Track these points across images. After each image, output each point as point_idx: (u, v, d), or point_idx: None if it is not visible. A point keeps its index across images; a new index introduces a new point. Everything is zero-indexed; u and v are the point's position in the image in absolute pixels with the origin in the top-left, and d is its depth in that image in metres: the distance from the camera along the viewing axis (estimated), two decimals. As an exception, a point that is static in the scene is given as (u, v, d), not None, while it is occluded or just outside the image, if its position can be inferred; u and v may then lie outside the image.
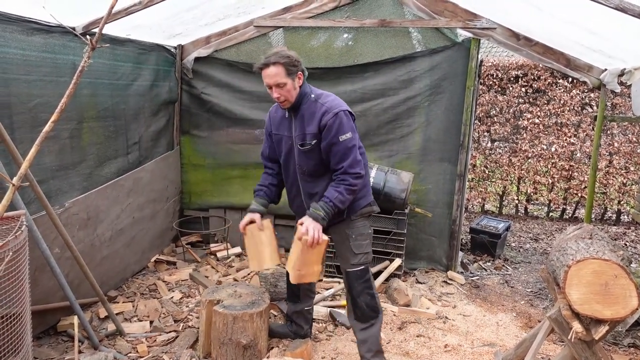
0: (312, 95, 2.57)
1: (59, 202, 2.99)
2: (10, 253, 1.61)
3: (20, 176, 1.31)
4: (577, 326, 2.03)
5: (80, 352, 2.81)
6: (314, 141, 2.53)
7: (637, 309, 1.91)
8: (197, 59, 4.50)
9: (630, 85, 3.59)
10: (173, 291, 3.80)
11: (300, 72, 2.51)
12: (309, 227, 2.42)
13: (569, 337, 2.13)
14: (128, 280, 3.92)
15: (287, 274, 2.99)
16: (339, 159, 2.50)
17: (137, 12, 3.06)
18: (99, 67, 3.40)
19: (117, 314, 3.30)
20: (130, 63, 3.78)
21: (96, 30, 3.11)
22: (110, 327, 3.13)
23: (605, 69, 3.85)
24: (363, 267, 2.70)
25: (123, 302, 3.54)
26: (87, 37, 1.43)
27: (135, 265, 4.03)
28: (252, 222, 2.71)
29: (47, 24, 2.86)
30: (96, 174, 3.43)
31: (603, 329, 2.00)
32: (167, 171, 4.48)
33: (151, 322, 3.27)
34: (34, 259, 2.55)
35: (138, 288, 3.82)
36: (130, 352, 2.92)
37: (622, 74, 3.65)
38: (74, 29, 3.05)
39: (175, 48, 4.46)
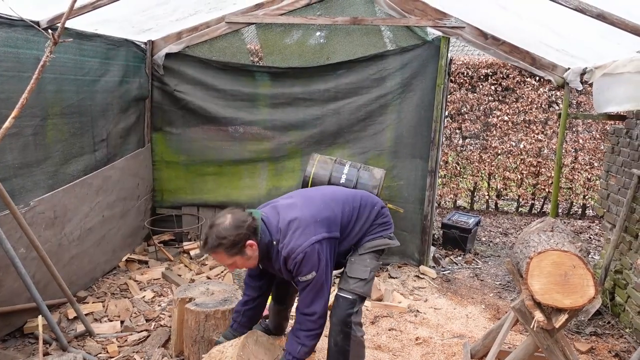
0: (274, 242, 2.25)
1: (23, 201, 2.91)
2: (-29, 252, 1.57)
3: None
4: (538, 315, 2.10)
5: (48, 353, 2.76)
6: (287, 275, 2.34)
7: (594, 297, 2.00)
8: (168, 55, 4.45)
9: (592, 84, 3.72)
10: (145, 290, 3.76)
11: (249, 241, 2.17)
12: None
13: (531, 326, 2.21)
14: (98, 280, 3.85)
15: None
16: (301, 298, 2.29)
17: (105, 5, 3.00)
18: (65, 63, 3.32)
19: (86, 314, 3.24)
20: (97, 58, 3.71)
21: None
22: (80, 327, 3.08)
23: (569, 68, 3.99)
24: (351, 296, 2.37)
25: (93, 303, 3.48)
26: (49, 31, 1.40)
27: (105, 264, 3.96)
28: None
29: (9, 17, 2.78)
30: (62, 171, 3.36)
31: (563, 318, 2.08)
32: (137, 169, 4.41)
33: (122, 322, 3.23)
34: (-2, 259, 2.49)
35: (109, 288, 3.75)
36: (100, 353, 2.88)
37: (584, 72, 3.78)
38: (38, 23, 2.97)
39: (145, 43, 4.39)
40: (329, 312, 2.41)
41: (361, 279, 2.39)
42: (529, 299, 2.16)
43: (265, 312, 3.32)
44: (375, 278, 3.98)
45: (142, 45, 4.34)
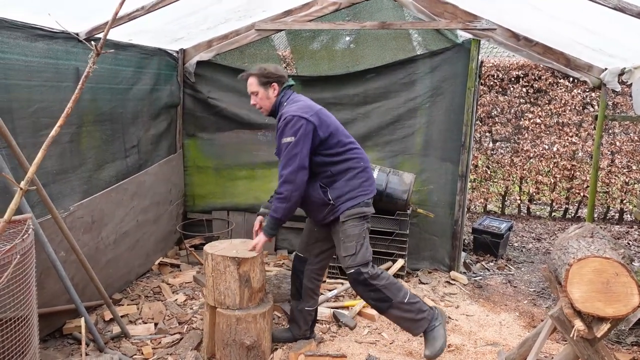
0: (285, 104, 2.78)
1: (61, 206, 3.01)
2: (18, 256, 1.63)
3: (27, 180, 1.34)
4: (578, 324, 2.04)
5: (86, 354, 2.84)
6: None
7: (638, 306, 1.92)
8: (200, 63, 4.54)
9: (631, 84, 3.59)
10: (177, 293, 3.82)
11: (275, 83, 2.76)
12: (258, 238, 2.76)
13: (571, 335, 2.14)
14: (132, 283, 3.95)
15: (293, 271, 3.04)
16: (280, 161, 2.67)
17: (140, 17, 3.09)
18: (101, 72, 3.43)
19: (122, 316, 3.32)
20: (131, 67, 3.81)
21: (99, 35, 3.16)
22: (115, 329, 3.16)
23: (606, 68, 3.87)
24: (354, 269, 2.71)
25: (128, 305, 3.56)
26: (92, 43, 1.45)
27: (139, 268, 4.05)
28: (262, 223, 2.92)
29: (51, 30, 2.90)
30: (95, 177, 3.46)
31: (605, 327, 2.01)
32: (170, 174, 4.51)
33: (156, 325, 3.29)
34: (40, 262, 2.58)
35: (142, 291, 3.84)
36: (135, 354, 2.95)
37: (622, 73, 3.66)
38: (77, 34, 3.08)
39: (177, 52, 4.49)
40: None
41: (351, 255, 2.72)
42: (568, 307, 2.09)
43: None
44: (406, 284, 3.95)
45: (174, 54, 4.45)
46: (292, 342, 3.08)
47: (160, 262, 4.36)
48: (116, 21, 3.01)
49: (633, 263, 4.93)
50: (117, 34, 3.43)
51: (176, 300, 3.70)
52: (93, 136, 3.45)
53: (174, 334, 3.20)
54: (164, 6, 3.07)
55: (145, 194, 4.02)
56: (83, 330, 2.47)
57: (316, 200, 2.75)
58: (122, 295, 3.72)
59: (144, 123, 4.11)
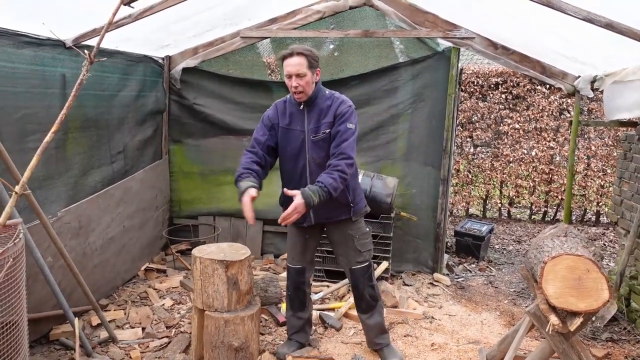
0: (327, 92, 2.75)
1: (47, 211, 3.02)
2: (11, 259, 1.66)
3: (22, 184, 1.38)
4: (553, 319, 2.14)
5: (73, 359, 2.84)
6: (328, 130, 2.67)
7: (608, 300, 2.04)
8: (186, 70, 4.58)
9: (602, 91, 3.76)
10: (164, 298, 3.84)
11: (319, 69, 2.67)
12: (296, 207, 2.44)
13: (546, 330, 2.24)
14: (119, 289, 3.95)
15: (294, 286, 3.02)
16: (340, 142, 2.60)
17: (127, 24, 3.14)
18: (87, 79, 3.45)
19: (109, 321, 3.32)
20: (117, 74, 3.84)
21: (86, 42, 3.19)
22: (103, 334, 3.17)
23: (579, 76, 4.03)
24: (367, 263, 2.90)
25: (115, 310, 3.57)
26: (85, 51, 1.51)
27: (125, 273, 4.06)
28: (253, 197, 2.63)
29: (37, 37, 2.92)
30: (81, 183, 3.48)
31: (578, 321, 2.12)
32: (156, 180, 4.53)
33: (143, 329, 3.31)
34: (28, 267, 2.58)
35: (129, 296, 3.85)
36: (123, 358, 2.96)
37: (594, 80, 3.82)
38: (63, 42, 3.11)
39: (162, 59, 4.53)
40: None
41: (368, 250, 2.92)
42: (543, 303, 2.20)
43: (282, 319, 3.39)
44: (390, 285, 4.03)
45: (159, 61, 4.48)
46: (279, 342, 3.14)
47: (146, 268, 4.37)
48: (106, 29, 3.07)
49: (606, 262, 5.11)
50: (103, 41, 3.44)
51: (163, 304, 3.71)
52: (79, 142, 3.47)
53: (162, 337, 3.22)
54: (150, 14, 3.12)
55: (131, 199, 4.04)
56: (77, 331, 2.49)
57: (340, 200, 2.74)
58: (108, 300, 3.72)
59: (130, 129, 4.13)
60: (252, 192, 2.58)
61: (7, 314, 1.85)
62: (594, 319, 3.62)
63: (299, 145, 2.73)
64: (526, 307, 3.95)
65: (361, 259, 2.89)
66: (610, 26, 2.60)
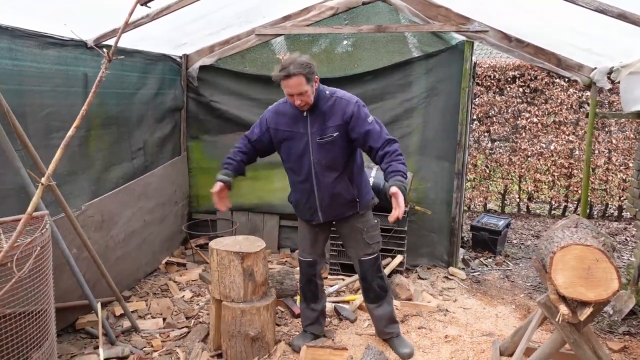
0: (327, 92, 2.75)
1: (71, 205, 3.15)
2: (38, 248, 1.77)
3: (48, 176, 1.47)
4: (563, 309, 2.16)
5: (97, 347, 2.97)
6: (336, 133, 2.69)
7: (618, 290, 2.04)
8: (202, 68, 4.69)
9: (619, 82, 3.70)
10: (184, 290, 3.96)
11: (317, 77, 2.65)
12: (400, 204, 2.41)
13: (556, 320, 2.26)
14: (140, 281, 4.08)
15: (307, 278, 3.10)
16: (378, 136, 2.64)
17: (145, 24, 3.24)
18: (107, 78, 3.47)
19: (131, 312, 3.45)
20: (137, 73, 3.96)
21: (106, 42, 3.31)
22: (126, 324, 3.29)
23: (595, 68, 3.98)
24: (376, 254, 2.97)
25: (137, 301, 3.70)
26: (104, 50, 1.59)
27: (146, 266, 4.19)
28: (222, 188, 2.86)
29: (61, 38, 3.05)
30: (103, 178, 3.61)
31: (588, 311, 2.13)
32: (175, 176, 4.65)
33: (164, 319, 3.43)
34: (54, 258, 2.71)
35: (150, 288, 3.98)
36: (145, 347, 3.08)
37: (610, 71, 3.77)
38: (85, 42, 3.23)
39: (180, 57, 4.64)
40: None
41: (377, 242, 3.00)
42: (553, 293, 2.21)
43: (297, 311, 3.47)
44: (405, 279, 4.06)
45: (177, 59, 4.60)
46: (295, 333, 3.21)
47: (167, 261, 4.50)
48: (123, 29, 3.18)
49: (627, 257, 5.03)
50: (122, 41, 3.52)
51: (183, 296, 3.83)
52: (101, 139, 3.60)
53: (182, 327, 3.34)
54: (167, 14, 3.22)
55: (151, 194, 4.17)
56: (100, 319, 2.61)
57: (346, 197, 2.83)
58: (130, 292, 3.86)
59: (149, 126, 4.26)
60: (218, 185, 2.83)
61: (37, 303, 1.97)
62: (611, 312, 3.59)
63: (303, 147, 2.76)
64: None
65: (370, 250, 2.95)
66: (623, 16, 2.57)
